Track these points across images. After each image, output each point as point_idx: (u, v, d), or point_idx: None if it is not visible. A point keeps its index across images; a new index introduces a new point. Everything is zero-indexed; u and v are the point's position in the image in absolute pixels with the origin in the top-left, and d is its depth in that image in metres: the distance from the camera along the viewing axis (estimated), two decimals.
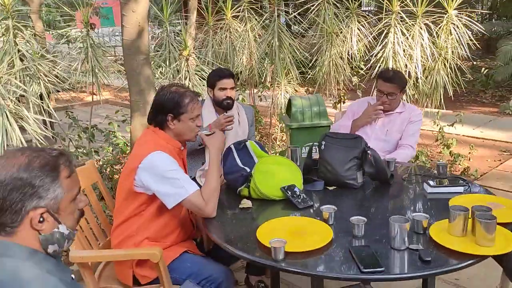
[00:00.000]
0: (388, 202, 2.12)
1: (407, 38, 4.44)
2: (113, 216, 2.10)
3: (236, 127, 2.94)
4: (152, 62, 4.63)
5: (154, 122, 2.05)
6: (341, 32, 5.27)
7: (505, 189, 4.14)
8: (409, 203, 2.08)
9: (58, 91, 5.96)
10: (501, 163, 4.92)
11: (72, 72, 4.52)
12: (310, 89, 6.22)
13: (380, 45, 4.51)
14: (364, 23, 5.12)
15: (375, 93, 3.05)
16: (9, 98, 2.90)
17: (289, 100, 3.99)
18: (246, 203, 2.07)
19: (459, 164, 4.76)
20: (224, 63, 5.35)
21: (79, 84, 4.85)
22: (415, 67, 4.64)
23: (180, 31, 4.42)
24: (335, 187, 2.27)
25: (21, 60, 3.22)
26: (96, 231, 2.24)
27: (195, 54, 4.76)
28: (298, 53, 4.95)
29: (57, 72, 4.16)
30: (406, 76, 4.68)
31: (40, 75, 3.99)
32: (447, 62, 4.84)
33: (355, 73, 5.47)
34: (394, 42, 4.39)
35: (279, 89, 5.05)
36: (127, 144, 4.28)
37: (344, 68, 5.19)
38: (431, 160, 5.02)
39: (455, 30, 4.72)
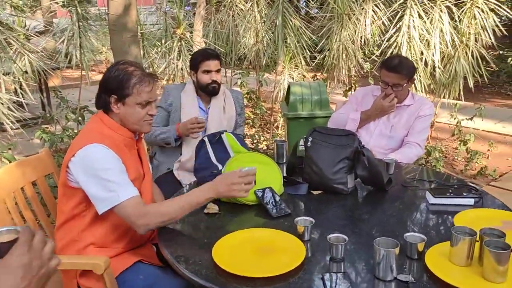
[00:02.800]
0: (381, 214, 1.78)
1: (425, 22, 4.01)
2: (57, 213, 1.81)
3: (221, 115, 2.62)
4: (146, 41, 4.33)
5: (99, 104, 1.74)
6: (353, 14, 4.86)
7: None
8: (406, 217, 1.73)
9: (57, 69, 5.73)
10: None
11: (68, 48, 4.23)
12: (318, 75, 5.82)
13: (393, 29, 4.09)
14: (379, 3, 4.69)
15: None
16: None
17: (288, 87, 3.64)
18: (212, 208, 1.75)
19: (476, 162, 4.35)
20: (226, 45, 5.01)
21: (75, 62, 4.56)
22: (433, 55, 4.22)
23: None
24: (320, 192, 1.93)
25: None
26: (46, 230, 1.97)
27: (193, 33, 4.42)
28: (304, 35, 4.56)
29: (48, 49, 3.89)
30: (422, 65, 4.28)
31: (25, 51, 3.73)
32: (469, 50, 4.40)
33: (367, 58, 5.06)
34: (409, 25, 3.96)
35: (283, 73, 4.69)
36: None
37: (354, 53, 4.79)
38: (445, 157, 4.62)
39: (480, 15, 4.27)
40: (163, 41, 4.29)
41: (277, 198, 1.77)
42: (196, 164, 2.02)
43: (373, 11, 4.80)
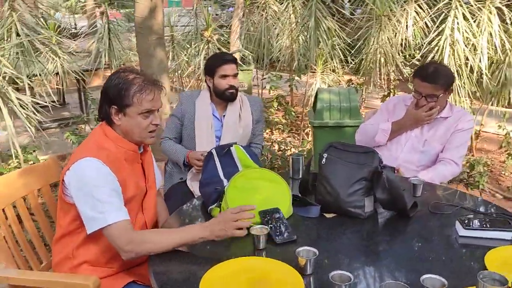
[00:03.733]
0: (400, 245, 1.56)
1: (471, 25, 3.68)
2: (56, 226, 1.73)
3: (236, 124, 2.47)
4: (175, 43, 4.25)
5: (101, 115, 1.63)
6: (393, 15, 4.57)
7: None
8: (428, 251, 1.51)
9: (98, 69, 5.81)
10: None
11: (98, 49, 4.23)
12: (354, 79, 5.55)
13: (435, 32, 3.78)
14: (422, 3, 4.37)
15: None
16: None
17: (316, 93, 3.43)
18: None
19: None
20: (258, 47, 4.86)
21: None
22: (480, 60, 3.88)
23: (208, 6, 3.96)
24: (334, 215, 1.74)
25: (18, 35, 2.95)
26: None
27: (223, 35, 4.30)
28: (339, 38, 4.33)
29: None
30: (467, 71, 3.95)
31: (50, 53, 3.74)
32: None
33: (407, 62, 4.76)
34: (453, 28, 3.65)
35: (315, 78, 4.48)
36: None
37: (393, 57, 4.50)
38: (491, 172, 4.25)
39: None
40: (192, 44, 4.20)
41: (283, 222, 1.60)
42: (202, 178, 1.89)
43: (415, 11, 4.49)
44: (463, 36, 3.64)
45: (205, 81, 2.51)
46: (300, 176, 2.12)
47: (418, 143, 2.39)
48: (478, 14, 3.74)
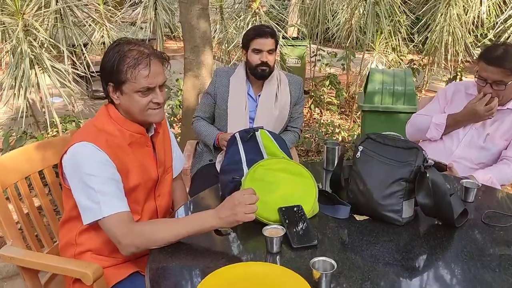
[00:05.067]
0: (439, 263, 1.31)
1: None
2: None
3: (272, 105, 2.27)
4: (225, 14, 4.07)
5: (105, 94, 1.50)
6: None
7: None
8: (472, 274, 1.25)
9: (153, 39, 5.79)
10: None
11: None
12: (417, 59, 5.09)
13: (510, 9, 3.31)
14: None
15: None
16: (33, 44, 2.57)
17: (368, 74, 3.13)
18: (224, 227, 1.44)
19: None
20: (312, 22, 4.56)
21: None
22: None
23: None
24: (367, 218, 1.51)
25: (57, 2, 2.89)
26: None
27: (272, 7, 4.04)
28: (400, 13, 3.93)
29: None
30: None
31: (103, 20, 3.69)
32: None
33: (478, 43, 4.27)
34: None
35: (372, 55, 4.12)
36: (180, 107, 3.85)
37: (461, 36, 4.04)
38: None
39: None
40: (242, 16, 4.00)
41: (305, 222, 1.40)
42: (222, 163, 1.72)
43: None
44: None
45: (242, 55, 2.32)
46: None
47: (478, 138, 2.07)
48: None
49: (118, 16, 3.75)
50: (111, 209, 1.33)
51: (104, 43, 3.81)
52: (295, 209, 1.44)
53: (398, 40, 4.51)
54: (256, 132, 1.73)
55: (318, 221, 1.50)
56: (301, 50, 5.36)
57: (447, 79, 4.91)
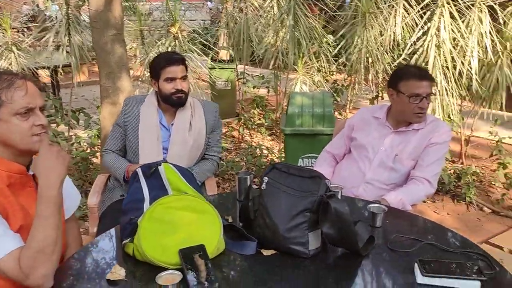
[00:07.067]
0: None
1: (458, 24, 3.39)
2: None
3: (186, 134, 2.19)
4: (142, 39, 3.97)
5: None
6: (381, 13, 4.28)
7: None
8: None
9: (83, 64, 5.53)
10: None
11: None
12: (340, 80, 5.25)
13: (420, 31, 3.49)
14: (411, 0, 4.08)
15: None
16: None
17: (289, 97, 3.15)
18: (117, 272, 1.33)
19: None
20: (238, 44, 4.57)
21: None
22: (469, 63, 3.59)
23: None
24: (274, 252, 1.46)
25: None
26: None
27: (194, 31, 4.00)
28: (320, 35, 4.03)
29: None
30: (456, 73, 3.66)
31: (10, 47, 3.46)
32: None
33: (395, 63, 4.47)
34: (439, 27, 3.35)
35: (296, 78, 4.19)
36: (98, 136, 3.68)
37: (378, 57, 4.21)
38: (480, 182, 3.97)
39: None
40: (163, 40, 3.91)
41: (207, 263, 1.32)
42: (123, 203, 1.61)
43: (404, 9, 4.19)
44: (449, 36, 3.35)
45: (152, 85, 2.23)
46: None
47: (387, 159, 2.11)
48: (468, 13, 3.45)
49: (26, 42, 3.54)
50: (6, 249, 1.21)
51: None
52: (197, 249, 1.36)
53: (323, 62, 4.63)
54: (159, 167, 1.64)
55: (224, 260, 1.43)
56: (230, 73, 5.35)
57: (371, 97, 5.09)
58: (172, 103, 2.16)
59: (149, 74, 2.27)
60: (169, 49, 3.58)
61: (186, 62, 2.23)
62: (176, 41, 3.56)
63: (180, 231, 1.40)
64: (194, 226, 1.42)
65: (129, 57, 4.32)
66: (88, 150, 3.85)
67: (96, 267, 1.39)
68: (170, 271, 1.25)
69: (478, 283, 1.26)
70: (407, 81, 2.02)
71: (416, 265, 1.34)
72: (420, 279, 1.29)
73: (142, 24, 3.90)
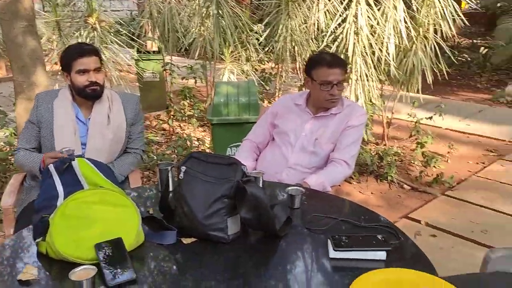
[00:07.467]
0: (265, 276, 1.32)
1: (374, 12, 3.56)
2: None
3: (104, 128, 2.13)
4: (59, 30, 3.78)
5: None
6: (304, 1, 4.38)
7: (483, 205, 3.36)
8: (296, 282, 1.28)
9: None
10: (484, 167, 4.12)
11: None
12: (268, 68, 5.33)
13: (339, 19, 3.62)
14: None
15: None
16: None
17: (215, 87, 3.16)
18: (29, 272, 1.28)
19: (434, 166, 3.96)
20: (163, 34, 4.49)
21: None
22: (387, 48, 3.78)
23: None
24: (194, 240, 1.47)
25: None
26: None
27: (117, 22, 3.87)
28: (246, 26, 4.06)
29: None
30: (375, 59, 3.85)
31: None
32: (428, 42, 3.99)
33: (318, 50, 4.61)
34: (356, 14, 3.50)
35: (224, 67, 4.19)
36: (15, 134, 3.47)
37: (303, 44, 4.32)
38: (401, 161, 4.22)
39: (440, 3, 3.85)
40: (81, 31, 3.74)
41: (124, 256, 1.30)
42: (36, 201, 1.54)
43: None
44: (366, 23, 3.50)
45: (64, 78, 2.14)
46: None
47: (308, 143, 2.18)
48: (383, 1, 3.63)
49: None
50: None
51: None
52: (114, 243, 1.34)
53: (251, 51, 4.66)
54: (73, 162, 1.58)
55: (144, 251, 1.41)
56: (157, 64, 5.24)
57: (300, 85, 5.20)
58: (87, 96, 2.08)
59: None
60: (88, 41, 3.43)
61: (102, 54, 2.15)
62: (95, 32, 3.42)
63: (95, 225, 1.37)
64: (111, 220, 1.40)
65: (49, 50, 4.11)
66: (7, 149, 3.62)
67: (7, 269, 1.32)
68: (84, 267, 1.22)
69: (383, 253, 1.35)
70: (318, 69, 2.09)
71: (328, 241, 1.41)
72: (332, 253, 1.36)
73: (58, 15, 3.71)
